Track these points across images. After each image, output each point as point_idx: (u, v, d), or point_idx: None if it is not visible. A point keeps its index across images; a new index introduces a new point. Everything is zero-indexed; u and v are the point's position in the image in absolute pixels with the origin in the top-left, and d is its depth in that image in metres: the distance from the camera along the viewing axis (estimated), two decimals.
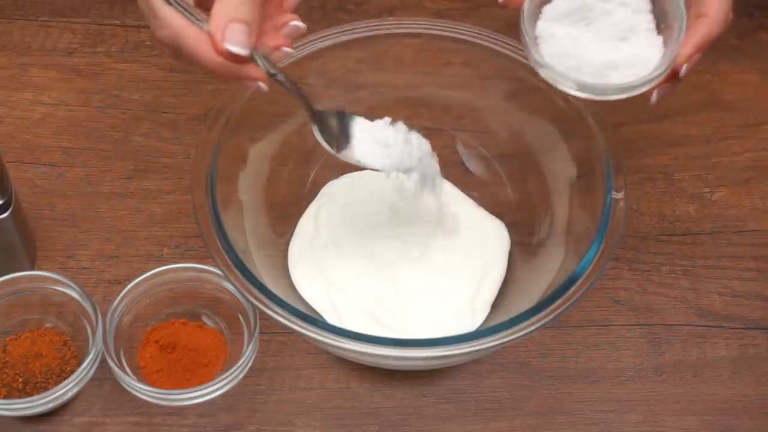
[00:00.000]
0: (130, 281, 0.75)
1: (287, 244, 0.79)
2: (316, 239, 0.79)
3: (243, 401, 0.75)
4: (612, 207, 0.71)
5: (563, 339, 0.78)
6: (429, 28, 0.79)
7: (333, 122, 0.71)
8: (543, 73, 0.67)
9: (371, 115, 0.78)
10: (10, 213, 0.76)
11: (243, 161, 0.77)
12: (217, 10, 0.63)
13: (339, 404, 0.75)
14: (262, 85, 0.66)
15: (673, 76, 0.69)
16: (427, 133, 0.83)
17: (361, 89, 0.81)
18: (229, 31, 0.63)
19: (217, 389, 0.71)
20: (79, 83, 0.91)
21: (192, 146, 0.86)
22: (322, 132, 0.70)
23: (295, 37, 0.68)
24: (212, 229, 0.70)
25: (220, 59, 0.64)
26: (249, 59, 0.64)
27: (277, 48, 0.67)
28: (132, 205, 0.84)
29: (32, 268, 0.80)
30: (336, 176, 0.82)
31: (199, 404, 0.74)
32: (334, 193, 0.81)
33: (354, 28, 0.79)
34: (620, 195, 0.71)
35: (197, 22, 0.64)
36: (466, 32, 0.79)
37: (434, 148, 0.79)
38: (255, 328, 0.72)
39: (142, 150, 0.87)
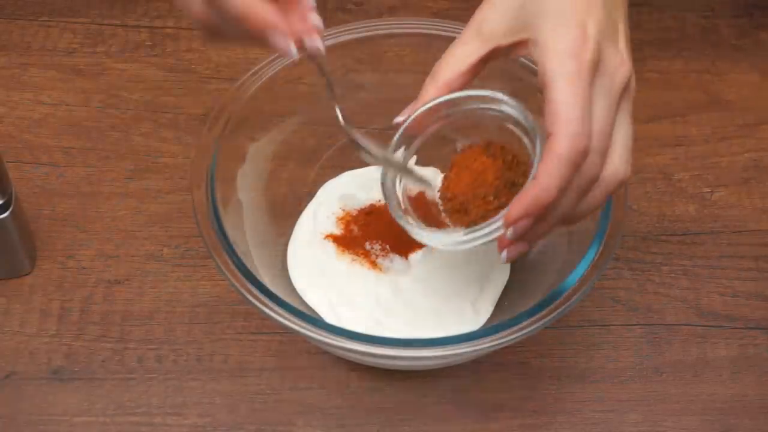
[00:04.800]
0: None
1: (287, 244, 0.79)
2: (315, 239, 0.79)
3: (243, 401, 0.75)
4: (611, 204, 0.71)
5: (563, 339, 0.78)
6: (429, 28, 0.79)
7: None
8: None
9: (370, 114, 0.78)
10: (10, 213, 0.76)
11: (243, 161, 0.77)
12: None
13: (339, 404, 0.75)
14: (293, 49, 0.63)
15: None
16: None
17: (361, 89, 0.81)
18: None
19: None
20: (79, 83, 0.91)
21: (192, 146, 0.86)
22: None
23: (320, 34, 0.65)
24: (212, 229, 0.70)
25: (257, 5, 0.61)
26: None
27: (309, 33, 0.64)
28: (132, 205, 0.84)
29: (32, 268, 0.80)
30: (335, 175, 0.82)
31: (200, 403, 0.75)
32: (333, 192, 0.81)
33: (354, 28, 0.79)
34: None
35: None
36: None
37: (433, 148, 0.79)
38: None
39: (142, 150, 0.87)
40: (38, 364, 0.76)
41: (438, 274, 0.77)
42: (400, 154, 0.71)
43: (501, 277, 0.78)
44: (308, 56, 0.64)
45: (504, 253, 0.64)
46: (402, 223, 0.69)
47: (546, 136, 0.61)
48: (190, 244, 0.82)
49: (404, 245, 0.78)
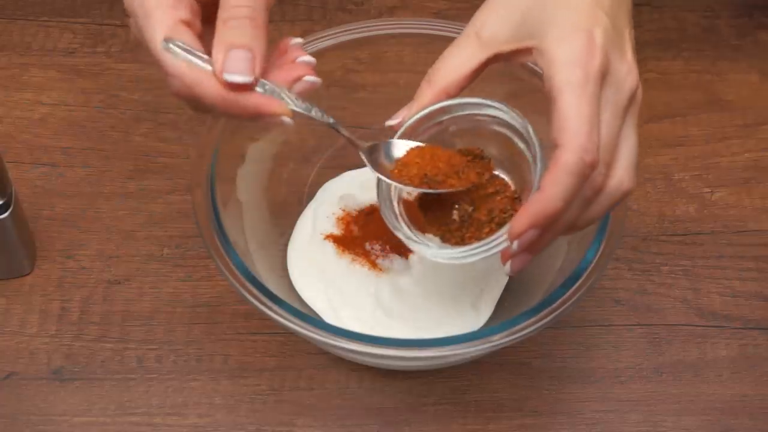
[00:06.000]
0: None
1: (287, 244, 0.79)
2: (315, 238, 0.79)
3: (243, 401, 0.75)
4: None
5: (563, 339, 0.78)
6: (429, 28, 0.79)
7: (380, 150, 0.69)
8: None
9: (370, 114, 0.78)
10: (10, 213, 0.76)
11: (243, 161, 0.77)
12: (216, 39, 0.60)
13: (339, 404, 0.75)
14: (286, 119, 0.61)
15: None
16: None
17: (361, 89, 0.81)
18: (229, 60, 0.60)
19: None
20: (79, 83, 0.91)
21: (192, 146, 0.86)
22: (372, 163, 0.68)
23: (312, 74, 0.64)
24: (212, 229, 0.70)
25: (231, 95, 0.60)
26: (269, 93, 0.61)
27: (299, 78, 0.63)
28: (132, 205, 0.84)
29: (32, 268, 0.80)
30: (335, 176, 0.82)
31: (199, 403, 0.75)
32: (333, 191, 0.81)
33: (354, 28, 0.79)
34: None
35: (204, 64, 0.61)
36: None
37: None
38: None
39: (142, 150, 0.87)
40: (38, 364, 0.76)
41: (438, 274, 0.77)
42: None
43: (501, 277, 0.78)
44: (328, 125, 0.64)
45: (508, 266, 0.63)
46: (399, 234, 0.69)
47: (553, 147, 0.60)
48: (190, 244, 0.82)
49: (404, 245, 0.77)
